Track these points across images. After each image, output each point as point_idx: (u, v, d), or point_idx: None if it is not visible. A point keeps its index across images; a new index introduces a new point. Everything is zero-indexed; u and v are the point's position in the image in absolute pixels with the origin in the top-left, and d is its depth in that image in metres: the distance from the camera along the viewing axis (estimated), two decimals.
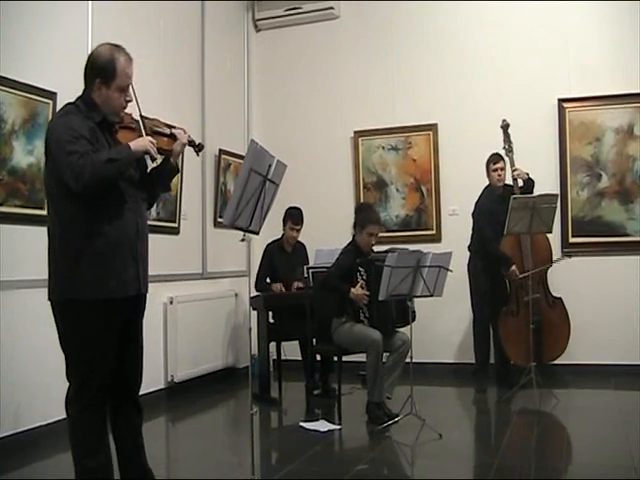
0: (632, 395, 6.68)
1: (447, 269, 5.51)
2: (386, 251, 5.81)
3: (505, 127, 6.97)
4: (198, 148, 3.94)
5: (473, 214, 7.02)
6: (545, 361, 6.81)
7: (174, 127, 3.77)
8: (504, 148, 6.95)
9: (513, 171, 6.89)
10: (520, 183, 6.89)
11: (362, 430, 5.63)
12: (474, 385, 6.98)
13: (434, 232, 8.01)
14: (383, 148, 8.25)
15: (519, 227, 6.38)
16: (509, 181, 6.95)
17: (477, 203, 7.00)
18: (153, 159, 3.58)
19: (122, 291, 3.48)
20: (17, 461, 4.80)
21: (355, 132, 8.32)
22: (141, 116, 3.61)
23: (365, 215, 6.03)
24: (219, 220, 7.51)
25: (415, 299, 5.62)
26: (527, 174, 6.90)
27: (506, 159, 6.93)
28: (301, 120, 8.58)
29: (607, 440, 5.15)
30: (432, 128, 8.01)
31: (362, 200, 8.19)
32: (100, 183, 3.32)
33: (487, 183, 7.04)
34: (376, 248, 6.10)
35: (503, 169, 6.93)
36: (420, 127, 8.06)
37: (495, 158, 6.94)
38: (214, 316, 7.38)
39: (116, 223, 3.44)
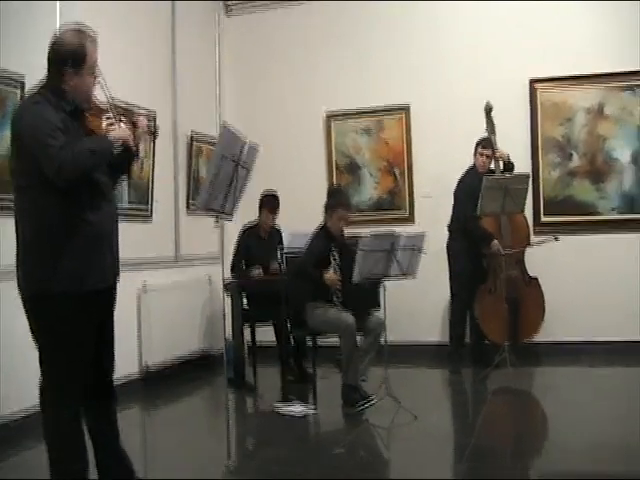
0: (606, 372, 6.78)
1: (420, 250, 5.54)
2: (352, 236, 5.86)
3: (488, 110, 7.02)
4: (153, 135, 3.93)
5: (455, 193, 7.06)
6: (520, 339, 6.89)
7: (132, 112, 3.74)
8: (487, 129, 7.00)
9: (494, 152, 6.95)
10: (501, 165, 6.96)
11: (338, 413, 5.68)
12: (448, 365, 7.03)
13: (407, 214, 8.06)
14: (356, 131, 8.27)
15: (492, 207, 6.45)
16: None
17: (460, 181, 7.05)
18: (131, 151, 3.57)
19: (102, 282, 3.49)
20: None
21: (328, 114, 8.33)
22: (113, 104, 3.59)
23: (335, 199, 6.07)
24: (192, 205, 7.51)
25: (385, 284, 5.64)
26: (507, 156, 6.98)
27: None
28: (274, 103, 8.55)
29: (579, 417, 5.25)
30: (405, 110, 8.04)
31: (335, 183, 8.21)
32: (81, 175, 3.31)
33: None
34: (348, 231, 6.14)
35: (489, 157, 6.98)
36: (392, 109, 8.10)
37: (485, 143, 6.99)
38: (188, 302, 7.39)
39: (97, 214, 3.43)
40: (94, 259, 3.42)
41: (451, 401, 6.37)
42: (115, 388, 3.77)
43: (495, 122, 7.03)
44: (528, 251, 7.09)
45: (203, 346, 7.65)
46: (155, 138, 3.97)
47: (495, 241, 6.79)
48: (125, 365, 6.03)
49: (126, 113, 3.73)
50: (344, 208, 5.99)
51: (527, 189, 6.63)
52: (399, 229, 5.66)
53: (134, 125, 3.69)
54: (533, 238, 7.15)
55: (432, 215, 7.60)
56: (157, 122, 6.75)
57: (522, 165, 7.29)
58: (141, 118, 3.75)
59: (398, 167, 8.11)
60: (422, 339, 7.83)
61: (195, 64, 7.95)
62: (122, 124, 3.53)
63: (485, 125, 7.02)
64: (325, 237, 5.99)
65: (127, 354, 6.32)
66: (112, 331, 3.72)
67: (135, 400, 6.30)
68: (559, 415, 5.40)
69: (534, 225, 7.49)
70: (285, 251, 6.81)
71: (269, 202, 7.10)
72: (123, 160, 3.76)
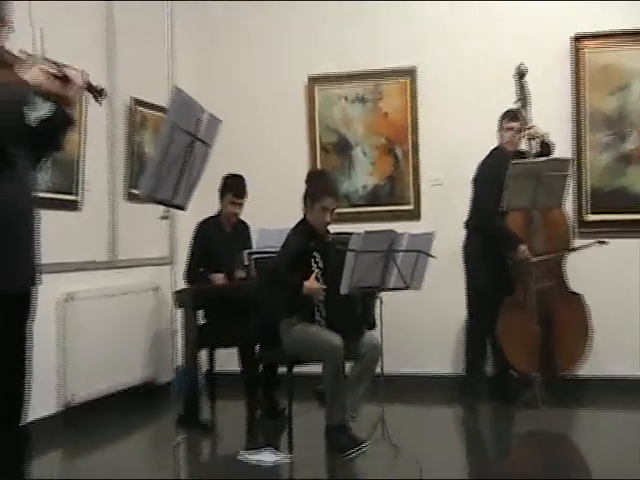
0: None
1: (428, 254, 5.55)
2: (339, 233, 5.85)
3: (521, 75, 6.97)
4: (99, 94, 3.89)
5: (475, 180, 7.08)
6: (556, 372, 6.88)
7: (65, 66, 3.71)
8: (519, 100, 6.99)
9: (528, 129, 6.94)
10: (536, 147, 6.94)
11: (320, 461, 5.68)
12: (462, 402, 7.05)
13: (411, 207, 8.06)
14: (346, 99, 8.27)
15: (520, 201, 6.46)
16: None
17: (481, 166, 7.06)
18: (65, 117, 3.55)
19: (12, 285, 3.48)
20: None
21: (310, 78, 8.32)
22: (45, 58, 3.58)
23: (318, 185, 6.07)
24: (133, 191, 7.50)
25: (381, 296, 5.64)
26: (544, 135, 6.97)
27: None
28: (241, 62, 8.52)
29: (630, 474, 5.20)
30: (410, 73, 8.03)
31: (319, 166, 8.22)
32: None
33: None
34: (335, 228, 6.15)
35: (519, 131, 6.98)
36: (394, 72, 8.08)
37: (511, 115, 7.00)
38: (127, 316, 7.33)
39: (8, 197, 3.43)
40: (5, 254, 3.41)
41: (464, 447, 6.37)
42: (27, 427, 3.74)
43: (529, 91, 7.02)
44: (569, 258, 7.06)
45: (146, 373, 7.61)
46: (101, 97, 3.89)
47: (523, 247, 6.77)
48: (42, 397, 5.98)
49: (49, 63, 3.70)
50: (329, 196, 5.97)
51: (567, 177, 6.63)
52: (401, 227, 5.66)
53: (66, 81, 3.65)
54: (575, 241, 7.15)
55: (444, 209, 7.65)
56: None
57: (562, 147, 7.28)
58: (76, 72, 3.71)
59: (400, 146, 8.10)
60: (429, 368, 7.84)
61: (139, 10, 7.91)
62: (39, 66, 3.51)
63: (515, 95, 7.00)
64: (305, 234, 5.97)
65: (45, 382, 6.26)
66: (26, 355, 3.70)
67: (54, 443, 6.24)
68: (603, 471, 5.35)
69: (577, 225, 7.49)
70: (254, 251, 6.79)
71: (234, 185, 7.07)
72: (55, 128, 3.74)
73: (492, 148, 7.09)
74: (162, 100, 7.64)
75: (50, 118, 3.73)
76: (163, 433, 6.64)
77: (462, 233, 7.12)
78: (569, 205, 7.21)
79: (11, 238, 3.45)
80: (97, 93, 3.87)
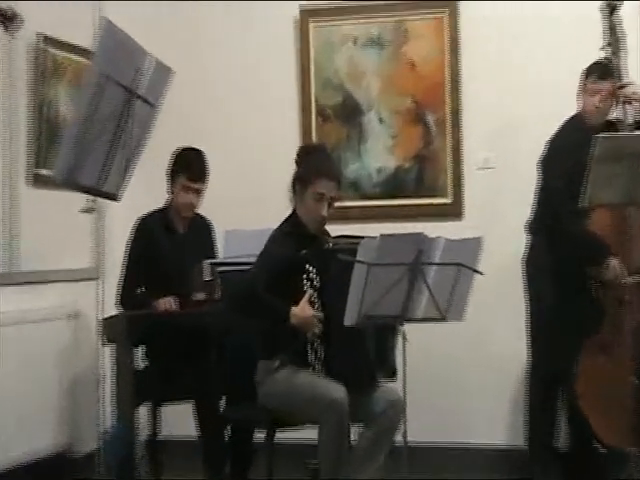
0: None
1: (473, 270, 5.49)
2: (344, 237, 5.80)
3: (611, 9, 6.83)
4: (9, 20, 3.85)
5: (544, 162, 7.04)
6: None
7: None
8: (608, 45, 6.88)
9: (619, 88, 6.85)
10: (633, 114, 6.84)
11: None
12: None
13: (449, 200, 8.07)
14: (355, 42, 8.26)
15: (608, 194, 6.40)
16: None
17: (552, 143, 7.03)
18: None
19: None
20: None
21: (302, 11, 8.33)
22: None
23: (311, 164, 6.01)
24: (42, 172, 7.45)
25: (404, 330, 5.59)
26: None
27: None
28: None
29: None
30: (448, 6, 8.04)
31: (314, 139, 8.23)
32: None
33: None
34: (337, 229, 6.10)
35: (610, 95, 6.86)
36: (425, 3, 8.09)
37: (599, 71, 6.87)
38: (32, 355, 7.33)
39: None
40: None
41: None
42: None
43: (623, 33, 6.95)
44: None
45: (60, 439, 7.60)
46: (13, 25, 3.85)
47: (614, 261, 6.72)
48: None
49: None
50: (326, 178, 5.90)
51: None
52: (434, 229, 5.60)
53: None
54: None
55: (496, 204, 7.64)
56: None
57: None
58: None
59: (434, 112, 8.11)
60: (471, 436, 7.86)
61: None
62: None
63: (603, 38, 6.93)
64: (294, 237, 5.93)
65: None
66: None
67: None
68: None
69: None
70: (220, 262, 6.75)
71: (189, 163, 6.98)
72: None
73: (568, 118, 7.05)
74: (85, 39, 7.64)
75: None
76: None
77: (523, 239, 7.13)
78: None
79: None
80: (5, 18, 3.83)
